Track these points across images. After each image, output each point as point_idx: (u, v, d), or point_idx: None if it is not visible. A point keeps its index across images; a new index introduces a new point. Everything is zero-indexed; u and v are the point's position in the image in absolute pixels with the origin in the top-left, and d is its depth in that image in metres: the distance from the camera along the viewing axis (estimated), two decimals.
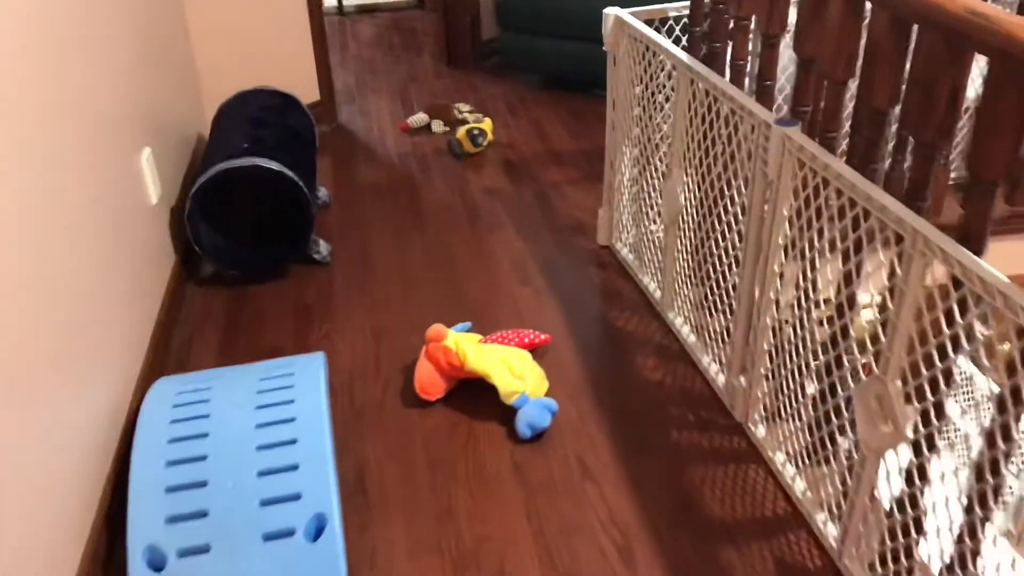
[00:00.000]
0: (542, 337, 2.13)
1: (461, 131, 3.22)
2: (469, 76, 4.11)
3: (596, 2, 3.49)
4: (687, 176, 2.03)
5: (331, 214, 2.86)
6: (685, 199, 2.05)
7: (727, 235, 1.87)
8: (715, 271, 1.95)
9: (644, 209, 2.35)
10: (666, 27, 2.37)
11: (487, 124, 3.30)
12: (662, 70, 2.14)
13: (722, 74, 2.02)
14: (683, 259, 2.12)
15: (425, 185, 3.04)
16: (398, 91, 3.94)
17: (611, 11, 2.28)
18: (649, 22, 2.30)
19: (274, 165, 2.33)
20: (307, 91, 3.43)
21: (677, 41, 2.33)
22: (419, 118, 3.49)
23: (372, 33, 4.88)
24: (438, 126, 3.48)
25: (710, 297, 2.00)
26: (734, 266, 1.86)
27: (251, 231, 2.55)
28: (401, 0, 5.29)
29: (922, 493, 1.36)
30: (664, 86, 2.19)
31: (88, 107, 1.82)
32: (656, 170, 2.28)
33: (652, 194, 2.30)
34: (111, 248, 1.87)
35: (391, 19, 5.11)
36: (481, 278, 2.48)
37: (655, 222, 2.31)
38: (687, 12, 2.19)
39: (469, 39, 4.14)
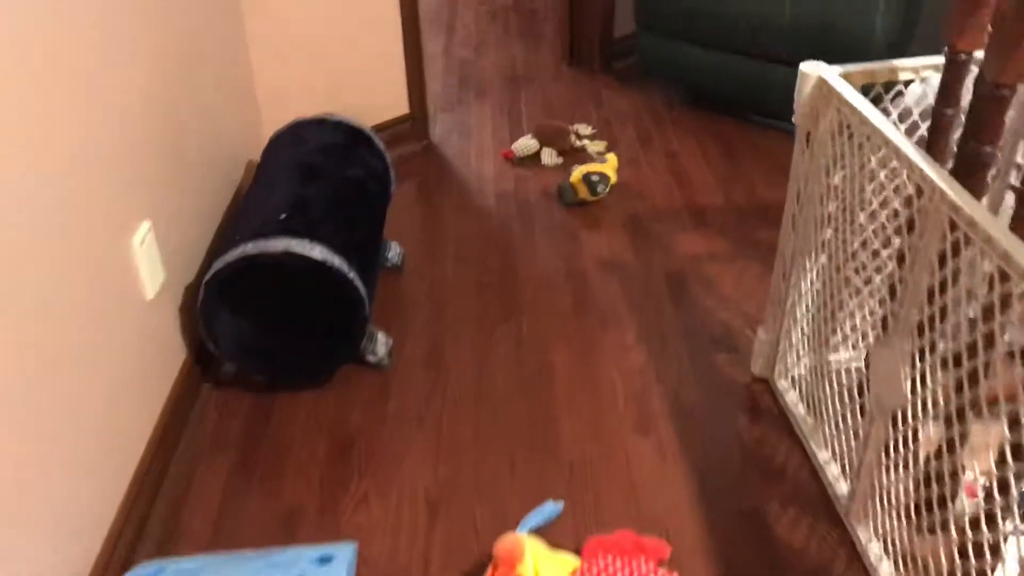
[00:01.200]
0: None
1: (577, 174, 2.51)
2: (594, 81, 3.38)
3: (765, 9, 2.69)
4: (921, 359, 1.29)
5: (400, 283, 2.23)
6: (915, 390, 1.31)
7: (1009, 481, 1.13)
8: (970, 523, 1.22)
9: (827, 343, 1.62)
10: (891, 98, 1.60)
11: (610, 164, 2.58)
12: (888, 169, 1.39)
13: (982, 194, 1.26)
14: (898, 472, 1.39)
15: (525, 245, 2.36)
16: (507, 97, 3.25)
17: (812, 68, 1.53)
18: (866, 89, 1.54)
19: (316, 251, 1.71)
20: (393, 102, 2.79)
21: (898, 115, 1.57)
22: (527, 144, 2.80)
23: (484, 13, 4.17)
24: (549, 156, 2.78)
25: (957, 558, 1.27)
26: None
27: (287, 321, 1.95)
28: None
29: None
30: (886, 189, 1.44)
31: (57, 178, 1.23)
32: (855, 294, 1.54)
33: (843, 326, 1.57)
34: (72, 376, 1.29)
35: None
36: (584, 413, 1.81)
37: (844, 373, 1.58)
38: (926, 75, 1.42)
39: (598, 35, 3.39)
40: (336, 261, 1.73)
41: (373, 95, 2.72)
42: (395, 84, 2.76)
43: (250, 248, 1.69)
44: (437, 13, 4.16)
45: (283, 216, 1.77)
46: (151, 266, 1.66)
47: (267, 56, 2.43)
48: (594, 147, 2.83)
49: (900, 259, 1.35)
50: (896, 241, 1.57)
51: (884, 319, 1.41)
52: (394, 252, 2.27)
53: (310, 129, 2.14)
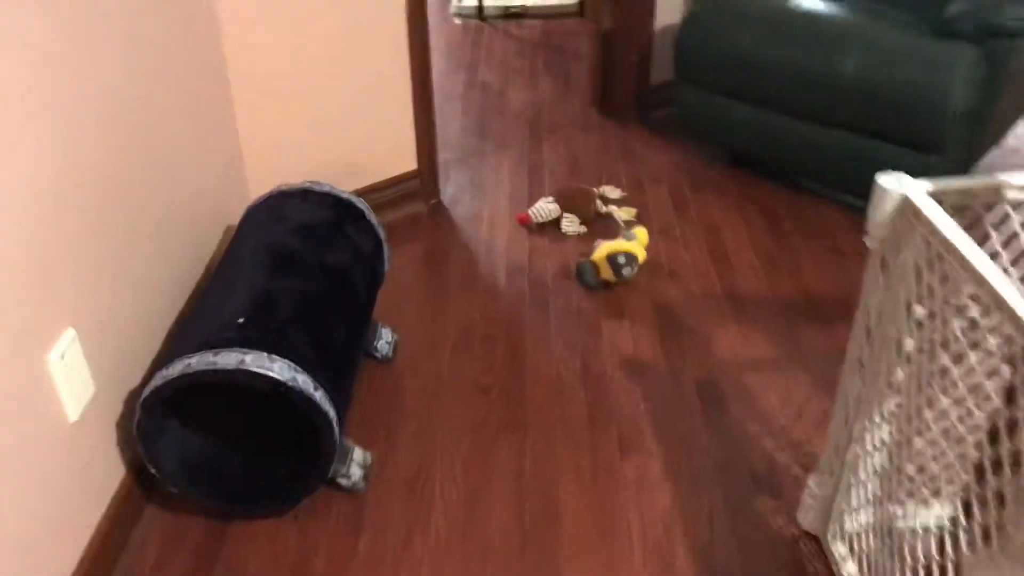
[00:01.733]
0: None
1: (600, 252, 2.20)
2: (627, 133, 3.07)
3: (824, 64, 2.37)
4: None
5: (389, 379, 1.93)
6: None
7: None
8: None
9: (897, 500, 1.29)
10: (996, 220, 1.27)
11: (639, 240, 2.26)
12: (985, 309, 1.07)
13: None
14: None
15: (536, 336, 2.06)
16: (529, 148, 2.95)
17: (893, 184, 1.21)
18: (960, 209, 1.23)
19: (277, 367, 1.41)
20: (399, 157, 2.50)
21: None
22: (547, 208, 2.49)
23: (513, 48, 3.88)
24: (571, 224, 2.47)
25: None
26: None
27: (245, 438, 1.66)
28: (555, 5, 4.26)
29: None
30: (981, 328, 1.12)
31: None
32: (936, 457, 1.22)
33: (917, 482, 1.25)
34: None
35: (541, 30, 4.09)
36: (594, 566, 1.49)
37: (917, 537, 1.25)
38: None
39: (633, 81, 3.09)
40: (300, 379, 1.43)
41: (377, 149, 2.43)
42: (402, 137, 2.48)
43: (195, 363, 1.40)
44: (460, 46, 3.88)
45: (241, 320, 1.48)
46: (76, 383, 1.37)
47: (253, 104, 2.15)
48: (622, 214, 2.52)
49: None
50: (990, 384, 1.25)
51: (979, 466, 1.09)
52: (384, 341, 1.97)
53: (291, 202, 1.85)
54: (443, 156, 2.89)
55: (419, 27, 2.34)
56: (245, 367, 1.39)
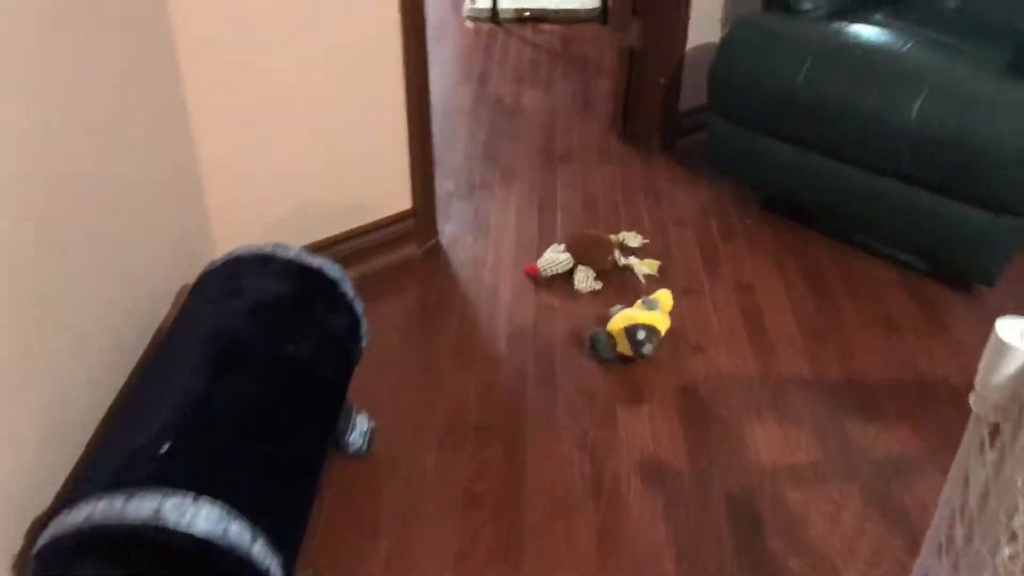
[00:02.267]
0: None
1: (617, 322, 1.89)
2: (650, 164, 2.74)
3: (885, 106, 2.04)
4: None
5: (361, 480, 1.63)
6: None
7: None
8: None
9: None
10: None
11: (662, 308, 1.96)
12: None
13: None
14: None
15: (540, 425, 1.75)
16: (540, 180, 2.64)
17: (1016, 336, 0.89)
18: None
19: (203, 516, 1.11)
20: (391, 195, 2.20)
21: None
22: (557, 260, 2.18)
23: (528, 57, 3.56)
24: (584, 278, 2.16)
25: None
26: None
27: None
28: (575, 10, 3.92)
29: None
30: None
31: None
32: None
33: None
34: None
35: (560, 36, 3.76)
36: None
37: None
38: None
39: (659, 105, 2.76)
40: (233, 530, 1.13)
41: (365, 187, 2.13)
42: (395, 172, 2.17)
43: (100, 512, 1.11)
44: (471, 53, 3.56)
45: (165, 448, 1.18)
46: None
47: (216, 136, 1.85)
48: (644, 268, 2.20)
49: None
50: None
51: None
52: (358, 432, 1.67)
53: (250, 271, 1.55)
54: (444, 186, 2.58)
55: (415, 43, 2.03)
56: (161, 520, 1.10)
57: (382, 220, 2.20)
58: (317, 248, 2.10)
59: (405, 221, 2.24)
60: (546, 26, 3.85)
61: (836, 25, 2.23)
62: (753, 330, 2.02)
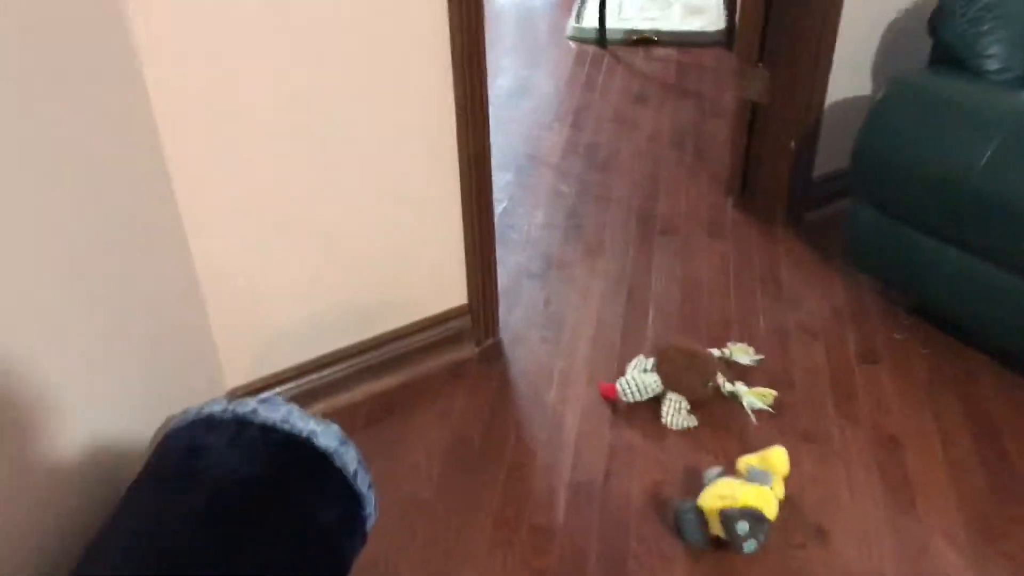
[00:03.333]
0: None
1: (712, 499, 1.43)
2: (772, 242, 2.24)
3: None
4: None
5: None
6: None
7: None
8: None
9: None
10: None
11: (774, 476, 1.47)
12: None
13: None
14: None
15: None
16: (632, 259, 2.17)
17: None
18: None
19: None
20: (441, 289, 1.79)
21: None
22: (643, 382, 1.72)
23: (634, 90, 3.08)
24: (676, 411, 1.70)
25: None
26: None
27: None
28: (697, 32, 3.41)
29: None
30: None
31: None
32: None
33: None
34: None
35: (675, 64, 3.26)
36: None
37: None
38: None
39: (787, 171, 2.25)
40: None
41: (408, 280, 1.73)
42: (446, 261, 1.76)
43: None
44: (567, 86, 3.10)
45: None
46: None
47: (210, 228, 1.48)
48: (754, 399, 1.72)
49: None
50: None
51: None
52: None
53: (217, 442, 1.16)
54: (513, 260, 2.16)
55: (475, 95, 1.61)
56: None
57: (426, 320, 1.80)
58: (344, 356, 1.71)
59: (457, 319, 1.83)
60: (660, 51, 3.36)
61: None
62: (897, 512, 1.51)
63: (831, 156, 2.25)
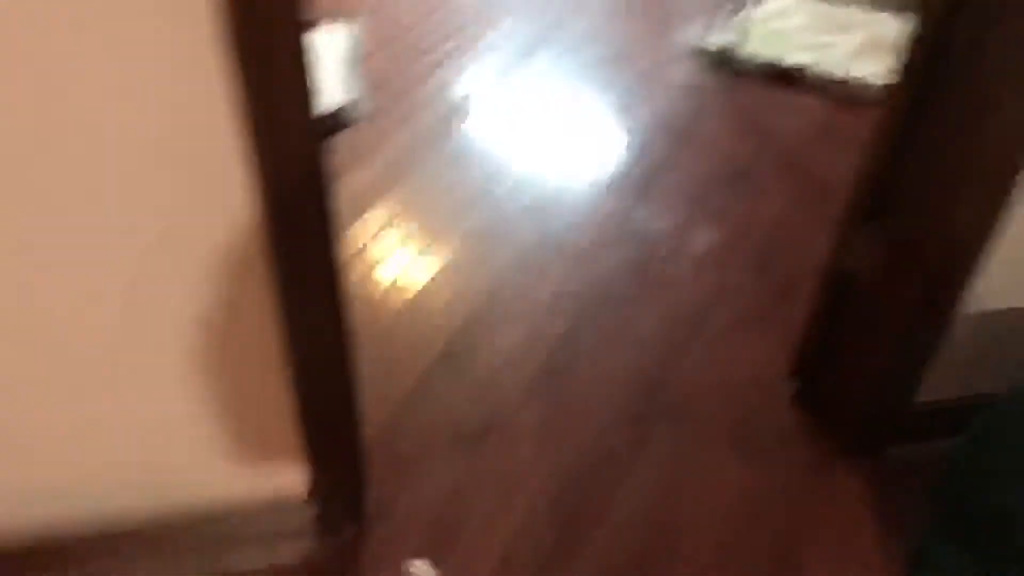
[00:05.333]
0: None
1: None
2: (826, 475, 1.53)
3: None
4: None
5: None
6: None
7: None
8: None
9: None
10: None
11: None
12: None
13: None
14: None
15: None
16: (610, 443, 1.53)
17: None
18: None
19: None
20: (269, 460, 1.25)
21: None
22: None
23: (740, 152, 2.31)
24: None
25: None
26: None
27: None
28: (864, 80, 2.53)
29: None
30: None
31: None
32: None
33: None
34: None
35: (819, 120, 2.43)
36: None
37: None
38: None
39: (880, 377, 1.50)
40: None
41: (185, 438, 1.19)
42: (262, 412, 1.20)
43: None
44: (656, 132, 2.35)
45: None
46: None
47: None
48: None
49: None
50: None
51: None
52: None
53: None
54: (425, 412, 1.56)
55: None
56: None
57: (226, 509, 1.26)
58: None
59: (287, 511, 1.28)
60: (804, 98, 2.51)
61: None
62: None
63: (947, 379, 1.48)
